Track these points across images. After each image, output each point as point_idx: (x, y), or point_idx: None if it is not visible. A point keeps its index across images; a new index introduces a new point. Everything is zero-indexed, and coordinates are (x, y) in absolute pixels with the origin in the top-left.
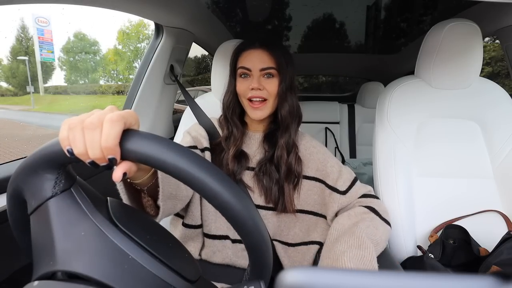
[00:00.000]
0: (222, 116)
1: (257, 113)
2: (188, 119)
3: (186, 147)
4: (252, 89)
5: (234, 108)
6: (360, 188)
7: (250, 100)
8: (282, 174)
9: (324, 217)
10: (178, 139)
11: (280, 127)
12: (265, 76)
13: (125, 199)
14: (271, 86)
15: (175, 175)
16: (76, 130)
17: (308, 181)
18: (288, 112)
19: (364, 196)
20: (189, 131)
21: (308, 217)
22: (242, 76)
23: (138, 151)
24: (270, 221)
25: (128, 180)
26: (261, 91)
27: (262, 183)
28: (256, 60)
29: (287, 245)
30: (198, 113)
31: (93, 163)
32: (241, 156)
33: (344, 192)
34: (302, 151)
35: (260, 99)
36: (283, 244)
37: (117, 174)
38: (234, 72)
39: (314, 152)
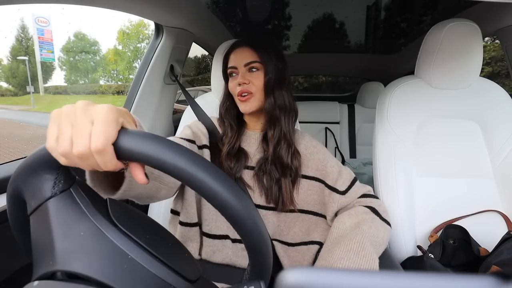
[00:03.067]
0: (219, 117)
1: (246, 105)
2: (188, 119)
3: (184, 147)
4: (239, 84)
5: (228, 108)
6: (360, 188)
7: (239, 95)
8: (279, 170)
9: (324, 217)
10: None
11: (268, 121)
12: (250, 70)
13: (89, 179)
14: (257, 79)
15: (174, 174)
16: (73, 159)
17: (308, 181)
18: (273, 105)
19: (364, 196)
20: (190, 125)
21: (308, 217)
22: (231, 75)
23: (134, 153)
24: (270, 221)
25: None
26: (248, 85)
27: (262, 182)
28: (240, 57)
29: (287, 245)
30: (199, 112)
31: None
32: (240, 154)
33: (343, 192)
34: (302, 150)
35: (247, 93)
36: (282, 244)
37: (140, 178)
38: (226, 75)
39: (315, 152)
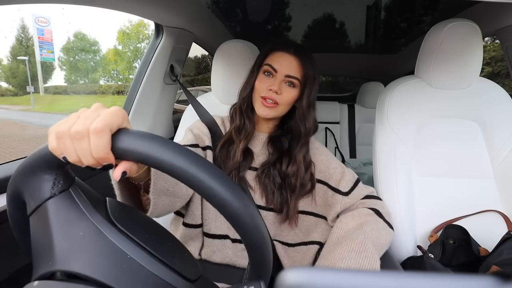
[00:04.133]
0: (236, 107)
1: (265, 111)
2: (188, 119)
3: (183, 145)
4: (270, 90)
5: (248, 102)
6: (363, 189)
7: (263, 98)
8: (291, 189)
9: (324, 218)
10: (178, 139)
11: (300, 141)
12: (287, 83)
13: (120, 197)
14: (289, 95)
15: (172, 174)
16: (64, 140)
17: None
18: (307, 130)
19: (367, 197)
20: (191, 128)
21: (309, 218)
22: (266, 73)
23: (132, 152)
24: (271, 221)
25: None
26: (278, 95)
27: (264, 185)
28: (285, 64)
29: (287, 245)
30: (201, 111)
31: (89, 166)
32: (247, 154)
33: (346, 193)
34: None
35: (273, 102)
36: (283, 244)
37: (116, 173)
38: (258, 67)
39: (317, 153)
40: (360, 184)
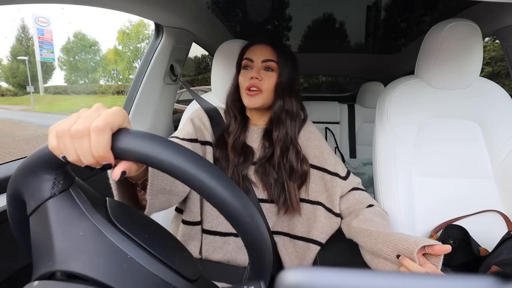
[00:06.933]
0: (226, 110)
1: (251, 100)
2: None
3: (183, 146)
4: (251, 78)
5: (234, 101)
6: (354, 178)
7: (247, 88)
8: (286, 173)
9: (321, 204)
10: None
11: (275, 122)
12: (266, 69)
13: (116, 195)
14: (270, 79)
15: (172, 174)
16: (64, 139)
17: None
18: (281, 109)
19: (355, 189)
20: (192, 117)
21: (306, 206)
22: (245, 68)
23: (132, 152)
24: (273, 213)
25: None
26: (259, 81)
27: (263, 179)
28: (259, 52)
29: (288, 236)
30: (203, 103)
31: (88, 166)
32: (247, 152)
33: (344, 178)
34: (300, 137)
35: (257, 89)
36: (284, 236)
37: (115, 173)
38: (239, 65)
39: (311, 138)
40: (351, 173)
